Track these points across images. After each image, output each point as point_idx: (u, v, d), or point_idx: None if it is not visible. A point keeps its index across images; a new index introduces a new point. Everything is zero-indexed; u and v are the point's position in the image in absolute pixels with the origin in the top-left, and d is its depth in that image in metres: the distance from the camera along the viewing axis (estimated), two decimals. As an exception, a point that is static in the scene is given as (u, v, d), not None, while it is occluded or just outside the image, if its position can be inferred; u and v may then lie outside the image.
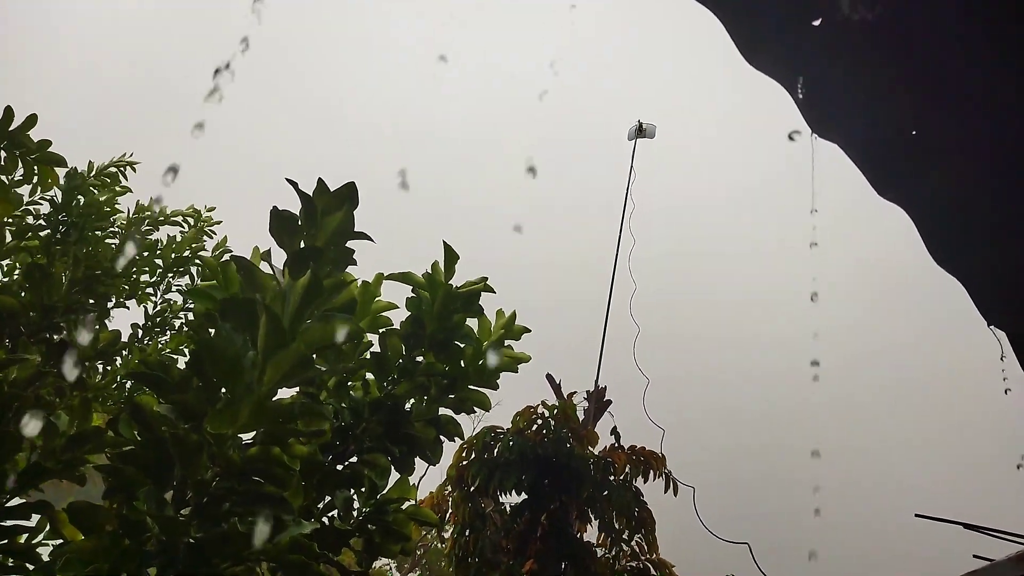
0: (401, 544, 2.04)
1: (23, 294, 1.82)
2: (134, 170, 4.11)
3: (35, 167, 2.72)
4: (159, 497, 1.47)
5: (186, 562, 1.47)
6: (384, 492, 2.03)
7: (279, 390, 1.62)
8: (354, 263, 1.76)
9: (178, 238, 4.31)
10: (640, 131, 12.10)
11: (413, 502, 2.09)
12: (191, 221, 4.44)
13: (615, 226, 11.06)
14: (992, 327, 2.59)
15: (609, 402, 10.62)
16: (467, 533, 9.07)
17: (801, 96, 2.27)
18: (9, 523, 1.67)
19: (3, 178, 2.63)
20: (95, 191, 3.83)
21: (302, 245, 1.66)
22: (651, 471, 9.70)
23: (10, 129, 2.61)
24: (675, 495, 9.22)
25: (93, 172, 3.92)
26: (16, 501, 1.68)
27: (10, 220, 3.32)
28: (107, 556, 1.44)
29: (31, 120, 2.65)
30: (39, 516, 1.71)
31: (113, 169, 4.02)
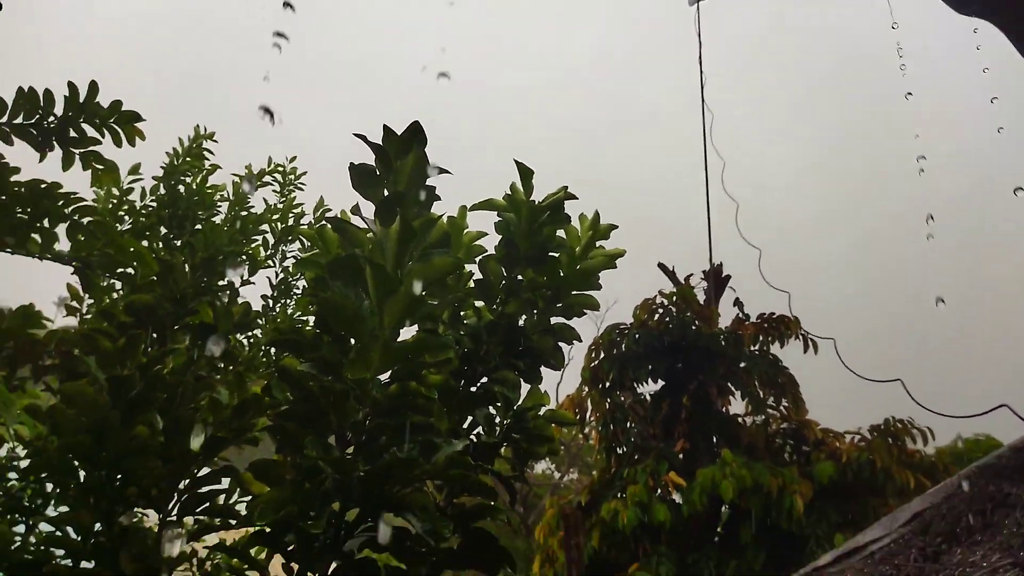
0: (547, 446, 2.16)
1: (155, 289, 1.99)
2: (216, 141, 4.14)
3: (119, 132, 2.65)
4: (323, 443, 1.63)
5: (361, 492, 1.65)
6: (520, 403, 2.14)
7: (400, 330, 1.74)
8: (438, 198, 1.81)
9: (270, 200, 4.33)
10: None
11: (549, 407, 2.20)
12: (279, 177, 4.44)
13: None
14: None
15: (728, 277, 10.42)
16: (611, 426, 9.34)
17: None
18: (205, 489, 1.90)
19: (97, 151, 2.61)
20: (189, 176, 3.93)
21: (385, 193, 1.74)
22: (785, 336, 9.54)
23: (81, 101, 2.56)
24: (815, 353, 9.07)
25: (181, 157, 3.99)
26: (205, 470, 1.90)
27: (119, 214, 3.49)
28: (294, 500, 1.64)
29: (94, 88, 2.57)
30: (228, 479, 1.94)
31: (196, 147, 4.07)
